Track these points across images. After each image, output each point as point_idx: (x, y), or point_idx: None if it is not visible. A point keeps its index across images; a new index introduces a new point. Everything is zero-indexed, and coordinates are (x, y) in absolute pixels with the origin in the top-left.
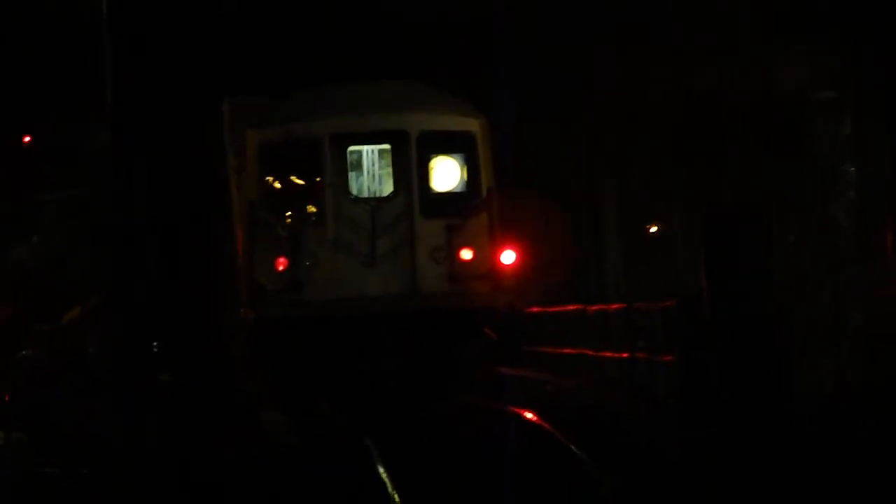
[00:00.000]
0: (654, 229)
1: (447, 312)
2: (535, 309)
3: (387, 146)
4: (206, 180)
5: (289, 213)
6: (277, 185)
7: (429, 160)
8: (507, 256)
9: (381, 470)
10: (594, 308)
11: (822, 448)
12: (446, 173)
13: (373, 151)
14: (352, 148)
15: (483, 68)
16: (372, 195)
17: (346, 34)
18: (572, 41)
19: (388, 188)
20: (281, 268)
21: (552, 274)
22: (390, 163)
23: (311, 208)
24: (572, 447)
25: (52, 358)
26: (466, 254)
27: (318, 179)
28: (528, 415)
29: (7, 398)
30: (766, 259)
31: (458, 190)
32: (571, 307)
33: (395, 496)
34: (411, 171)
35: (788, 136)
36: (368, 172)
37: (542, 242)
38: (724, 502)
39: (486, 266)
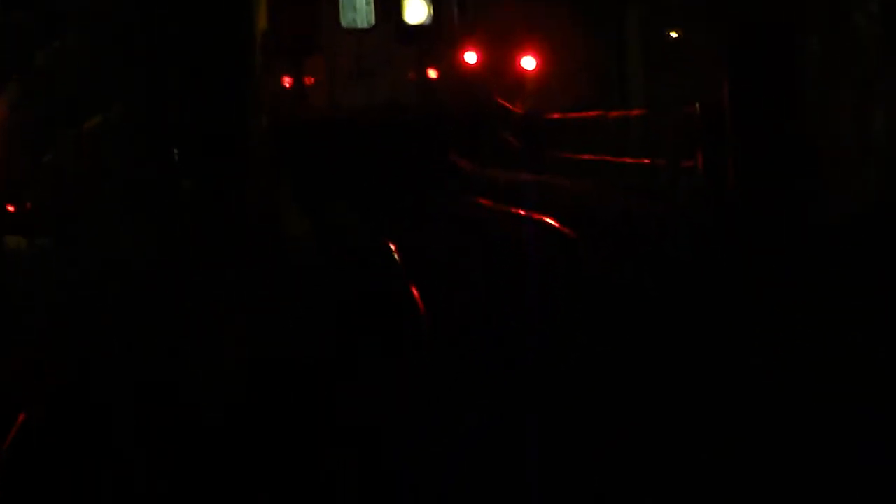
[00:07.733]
0: (674, 35)
1: (417, 119)
2: (555, 115)
3: None
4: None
5: (293, 39)
6: (284, 18)
7: None
8: (528, 62)
9: (403, 269)
10: (614, 114)
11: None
12: (417, 9)
13: None
14: None
15: None
16: (358, 27)
17: None
18: None
19: (371, 21)
20: (287, 84)
21: (574, 82)
22: (373, 1)
23: (311, 36)
24: (582, 245)
25: (76, 164)
26: (433, 73)
27: (315, 15)
28: (547, 219)
29: (29, 206)
30: (791, 72)
31: (426, 23)
32: (592, 113)
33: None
34: (389, 8)
35: None
36: (356, 8)
37: (566, 51)
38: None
39: (448, 83)
